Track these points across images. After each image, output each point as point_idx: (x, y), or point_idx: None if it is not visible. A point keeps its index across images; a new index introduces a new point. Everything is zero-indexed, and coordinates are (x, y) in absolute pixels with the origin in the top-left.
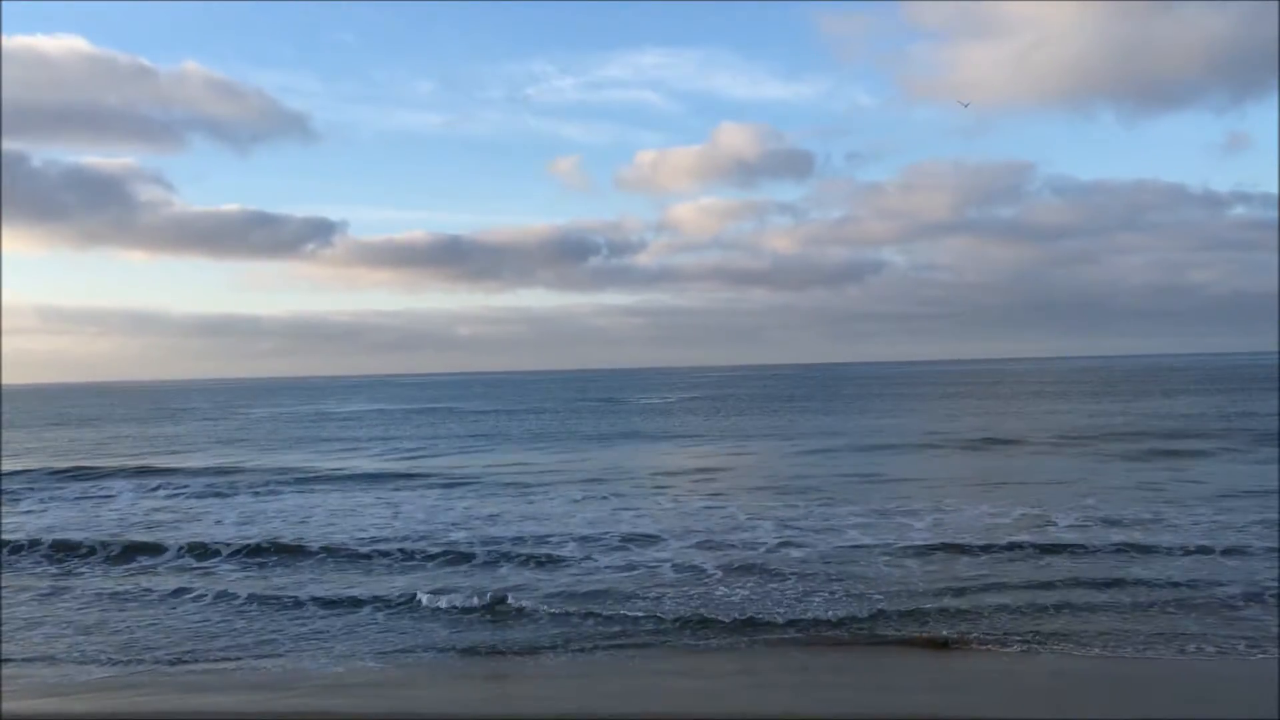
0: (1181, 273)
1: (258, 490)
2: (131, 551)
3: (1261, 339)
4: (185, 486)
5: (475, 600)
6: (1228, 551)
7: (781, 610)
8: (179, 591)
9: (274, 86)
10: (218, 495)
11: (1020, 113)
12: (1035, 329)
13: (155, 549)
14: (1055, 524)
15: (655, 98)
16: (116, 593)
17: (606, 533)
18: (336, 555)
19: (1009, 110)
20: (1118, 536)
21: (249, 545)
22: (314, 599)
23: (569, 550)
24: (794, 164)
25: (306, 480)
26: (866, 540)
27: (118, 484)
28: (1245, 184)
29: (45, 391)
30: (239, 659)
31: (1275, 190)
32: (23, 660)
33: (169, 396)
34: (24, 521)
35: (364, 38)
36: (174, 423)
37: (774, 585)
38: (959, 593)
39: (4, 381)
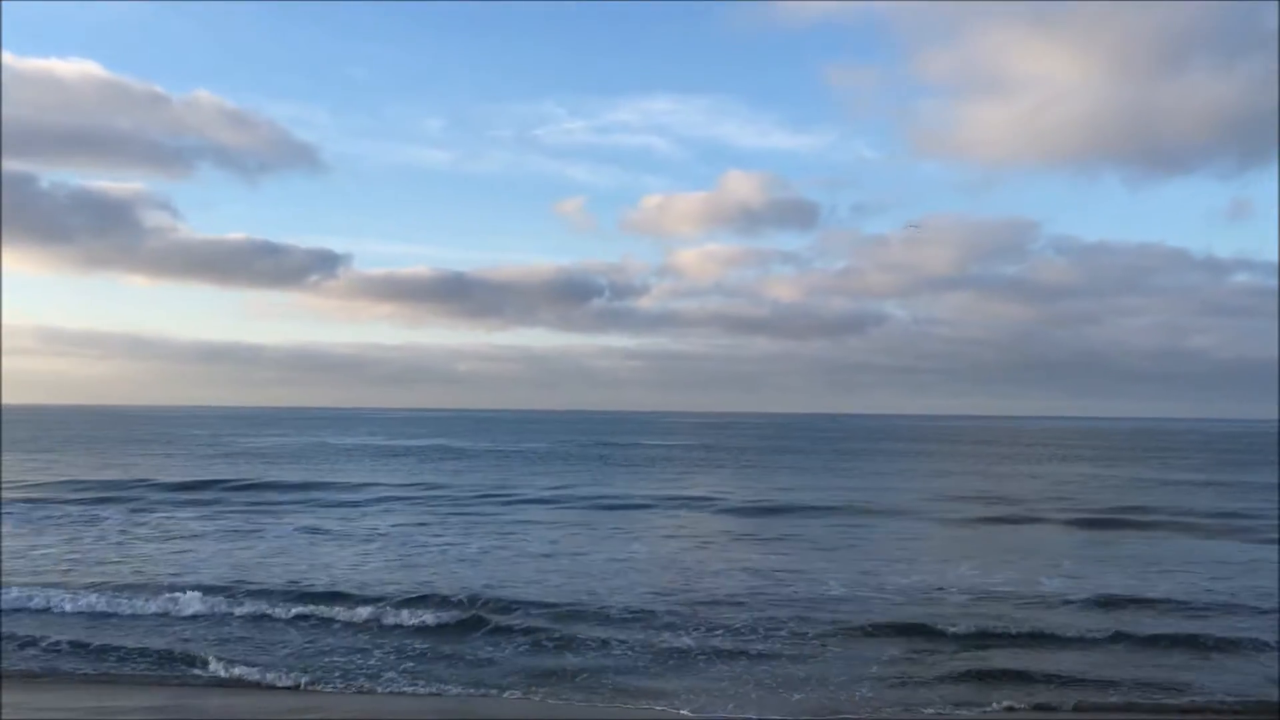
0: (1183, 337)
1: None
2: None
3: (1262, 406)
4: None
5: None
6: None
7: None
8: None
9: (285, 118)
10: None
11: (1025, 171)
12: (1035, 387)
13: None
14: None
15: (662, 143)
16: None
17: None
18: None
19: (1014, 168)
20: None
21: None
22: None
23: None
24: (799, 213)
25: None
26: None
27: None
28: (1248, 251)
29: (42, 413)
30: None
31: (1276, 259)
32: None
33: (165, 423)
34: None
35: (376, 74)
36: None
37: None
38: None
39: (2, 402)
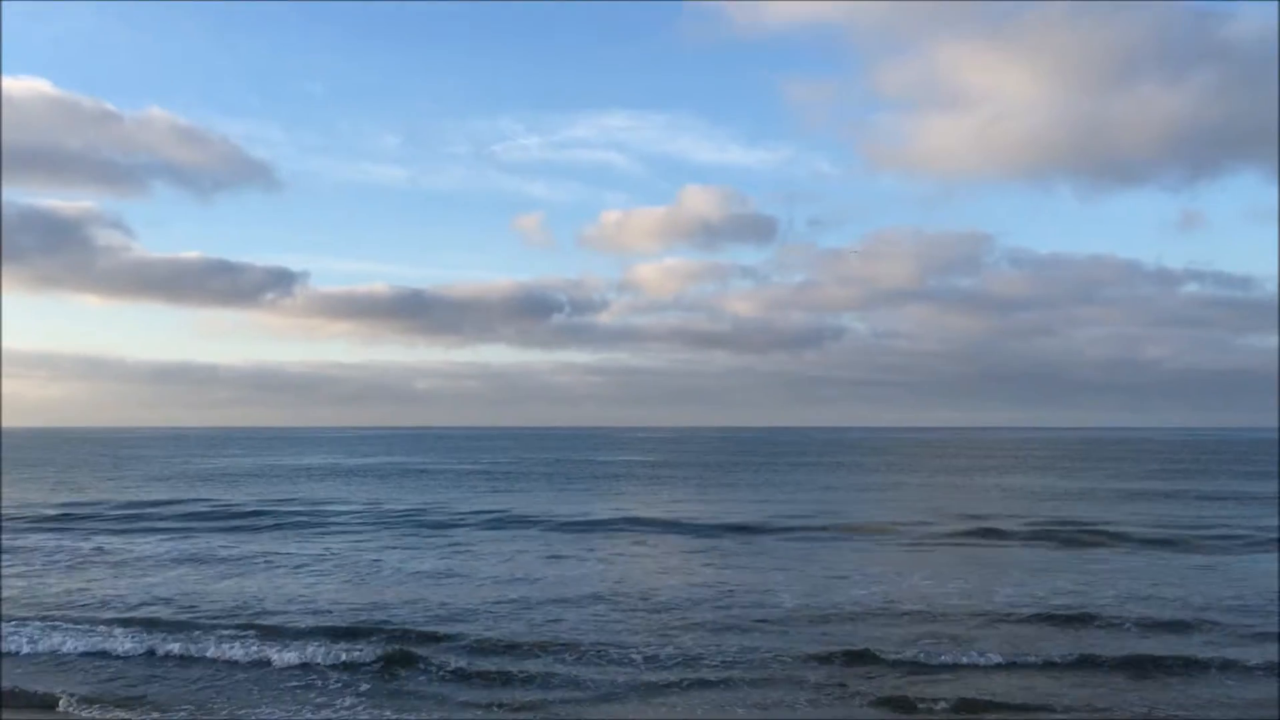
0: (1136, 347)
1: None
2: None
3: (1213, 415)
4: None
5: None
6: None
7: None
8: None
9: (239, 135)
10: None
11: (980, 184)
12: (992, 398)
13: None
14: None
15: (620, 159)
16: None
17: None
18: None
19: (969, 181)
20: None
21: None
22: None
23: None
24: (757, 228)
25: None
26: None
27: None
28: (1198, 262)
29: None
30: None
31: (1226, 269)
32: None
33: (118, 445)
34: None
35: (331, 89)
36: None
37: None
38: None
39: None
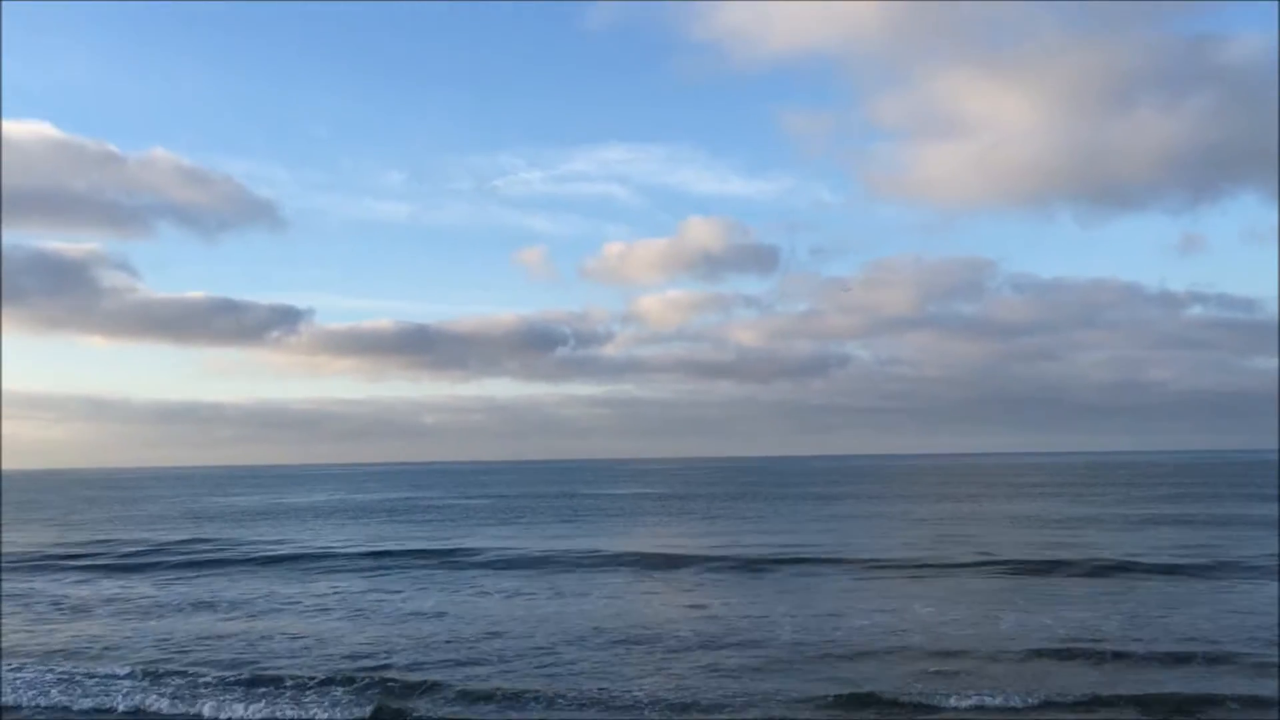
0: (1139, 370)
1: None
2: None
3: (1217, 437)
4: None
5: None
6: None
7: None
8: None
9: (242, 174)
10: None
11: (980, 211)
12: (997, 424)
13: None
14: None
15: (622, 191)
16: None
17: None
18: None
19: (970, 208)
20: None
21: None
22: None
23: None
24: (759, 258)
25: None
26: None
27: None
28: (1200, 284)
29: None
30: None
31: (1229, 291)
32: None
33: (124, 486)
34: None
35: (334, 128)
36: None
37: None
38: None
39: None
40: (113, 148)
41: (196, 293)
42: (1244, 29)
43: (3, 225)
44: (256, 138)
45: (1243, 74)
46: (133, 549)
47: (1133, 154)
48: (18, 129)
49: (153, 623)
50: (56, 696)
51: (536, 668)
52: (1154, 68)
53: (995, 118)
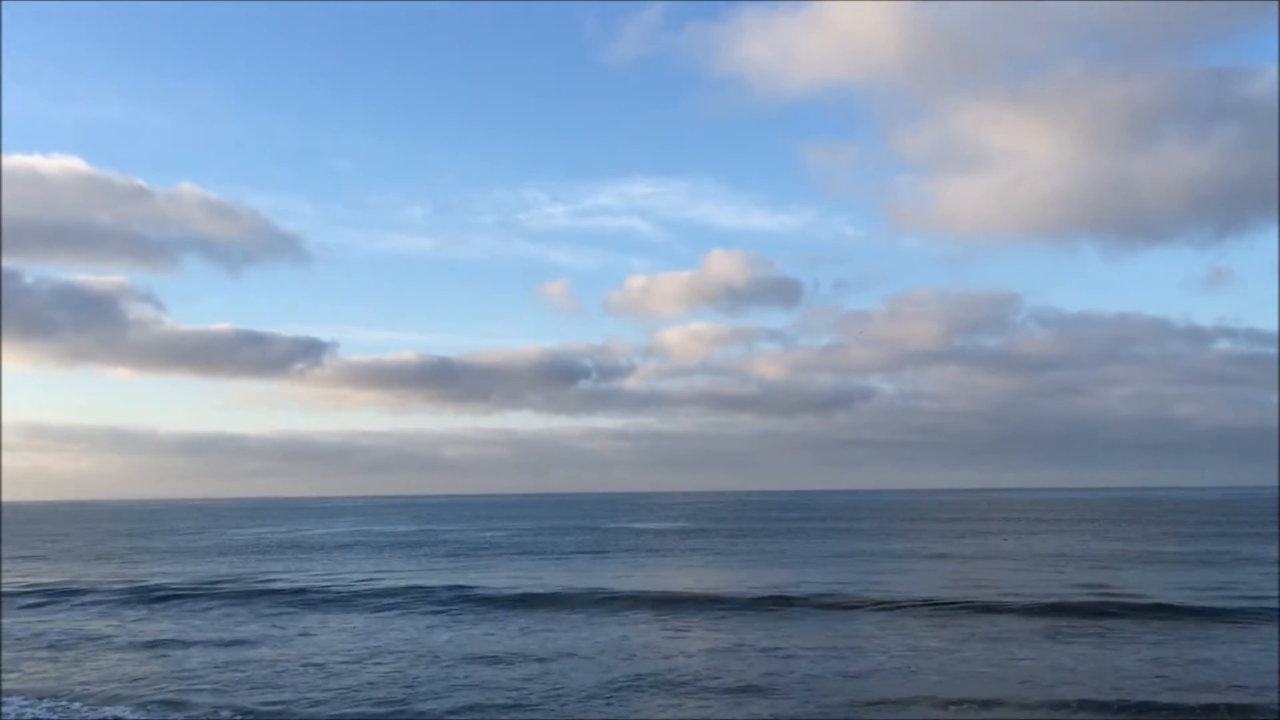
0: (1167, 406)
1: None
2: None
3: (1248, 473)
4: None
5: None
6: None
7: None
8: None
9: (268, 209)
10: None
11: (1005, 244)
12: (1022, 459)
13: None
14: None
15: (644, 225)
16: None
17: None
18: None
19: (994, 242)
20: None
21: None
22: None
23: None
24: (782, 291)
25: None
26: None
27: None
28: (1228, 319)
29: (25, 510)
30: None
31: (1257, 325)
32: None
33: (149, 518)
34: None
35: (359, 164)
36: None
37: None
38: None
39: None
40: (140, 182)
41: (222, 325)
42: (1269, 61)
43: (32, 259)
44: (282, 172)
45: (1268, 105)
46: (155, 586)
47: (1157, 187)
48: (47, 164)
49: (172, 663)
50: None
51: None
52: (1178, 100)
53: (1019, 151)
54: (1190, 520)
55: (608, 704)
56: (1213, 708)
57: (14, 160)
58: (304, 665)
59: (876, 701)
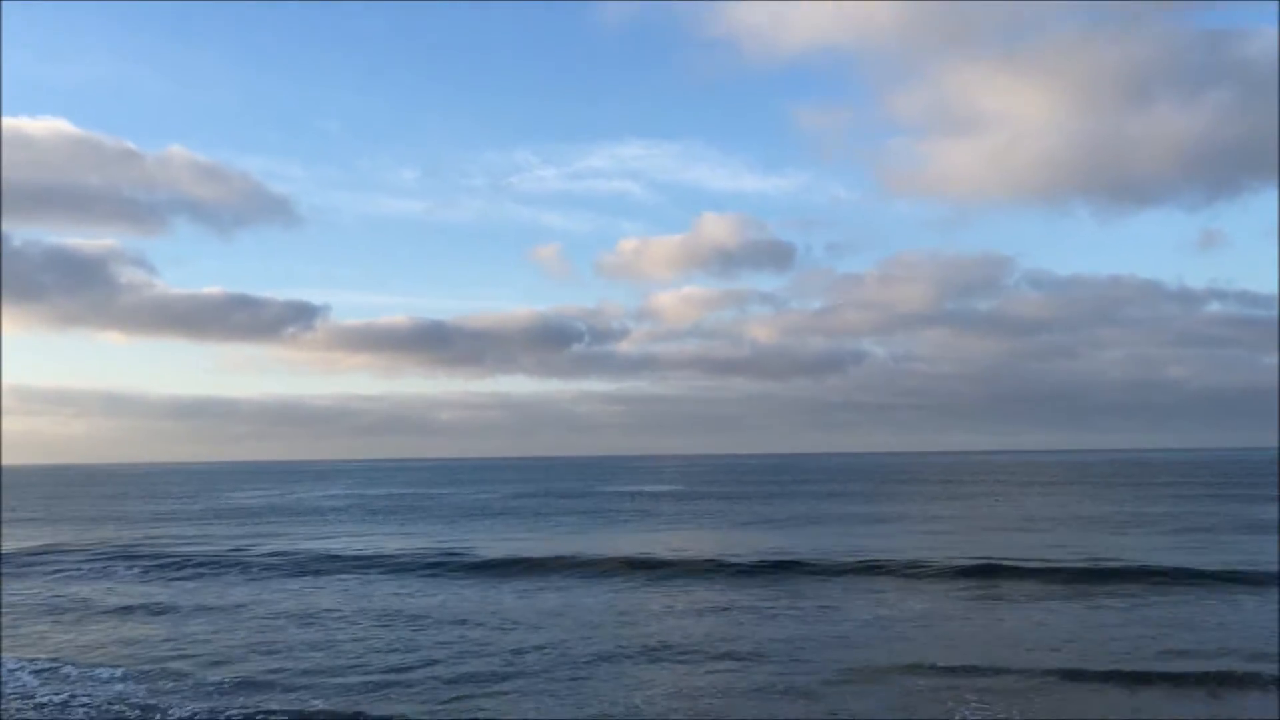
0: (1158, 368)
1: None
2: None
3: (1239, 435)
4: None
5: None
6: None
7: None
8: None
9: (258, 171)
10: None
11: (997, 207)
12: (1014, 421)
13: None
14: None
15: (636, 188)
16: None
17: None
18: None
19: (986, 204)
20: None
21: None
22: None
23: None
24: (775, 254)
25: None
26: None
27: None
28: (1219, 281)
29: (17, 473)
30: None
31: (1249, 288)
32: None
33: (141, 482)
34: None
35: (348, 125)
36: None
37: None
38: None
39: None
40: (130, 145)
41: (213, 289)
42: (1262, 23)
43: (21, 222)
44: (271, 135)
45: (1261, 68)
46: (150, 550)
47: (1150, 149)
48: (35, 126)
49: (164, 628)
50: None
51: (554, 696)
52: (1171, 62)
53: (1012, 113)
54: (1182, 482)
55: (602, 670)
56: (1224, 675)
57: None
58: (299, 627)
59: (869, 669)
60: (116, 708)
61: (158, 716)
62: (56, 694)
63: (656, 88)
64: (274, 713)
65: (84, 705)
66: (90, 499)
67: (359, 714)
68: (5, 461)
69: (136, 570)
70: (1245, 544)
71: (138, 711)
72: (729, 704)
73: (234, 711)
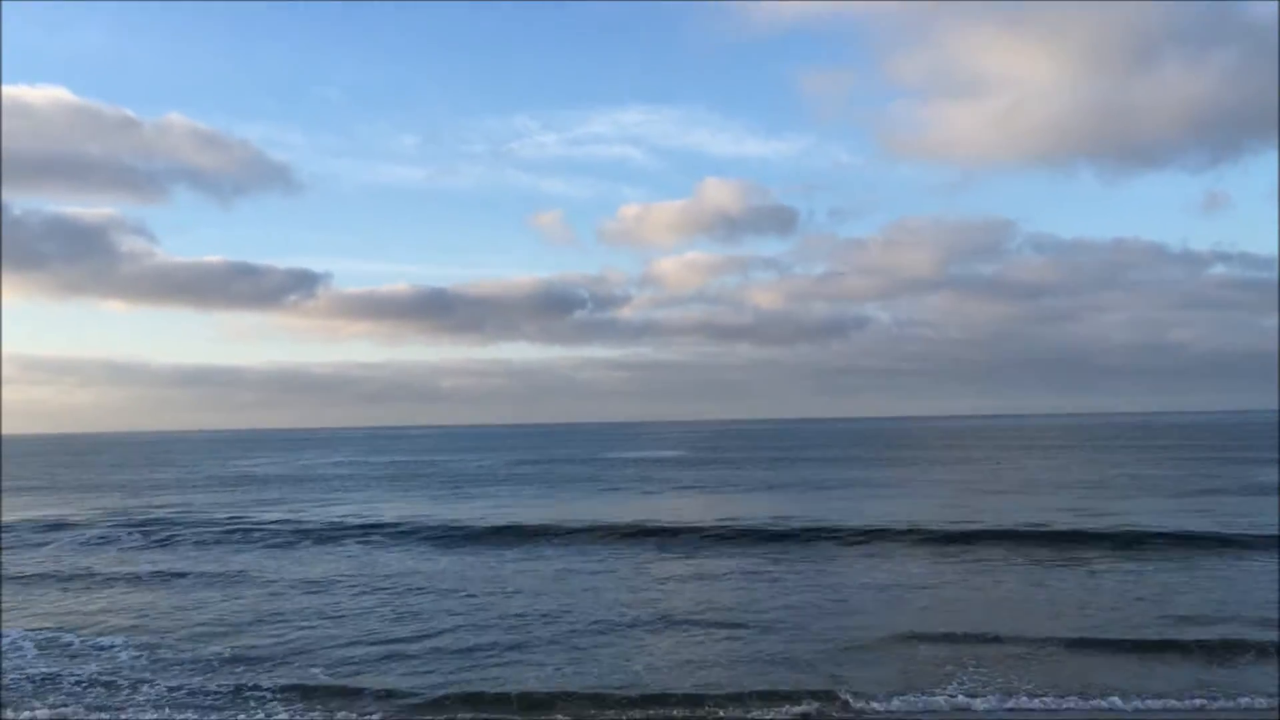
0: (1162, 331)
1: None
2: None
3: (1243, 397)
4: None
5: None
6: None
7: None
8: None
9: (258, 139)
10: None
11: (1001, 171)
12: (1018, 386)
13: None
14: None
15: (637, 153)
16: None
17: None
18: None
19: (990, 168)
20: None
21: None
22: None
23: None
24: (777, 219)
25: None
26: None
27: None
28: (1224, 244)
29: (22, 443)
30: None
31: (1252, 250)
32: None
33: (147, 449)
34: None
35: (347, 92)
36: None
37: None
38: None
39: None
40: (129, 113)
41: (214, 257)
42: None
43: (21, 191)
44: (270, 102)
45: (1265, 31)
46: (152, 519)
47: (1155, 112)
48: (34, 94)
49: (187, 598)
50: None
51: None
52: (1177, 25)
53: (1016, 76)
54: (1184, 445)
55: (603, 639)
56: (1227, 642)
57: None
58: (303, 595)
59: (869, 637)
60: (110, 679)
61: (145, 688)
62: (54, 665)
63: (658, 52)
64: (262, 688)
65: (76, 677)
66: (95, 468)
67: (358, 689)
68: (9, 431)
69: (140, 539)
70: (1245, 506)
71: (127, 684)
72: (728, 674)
73: (224, 682)
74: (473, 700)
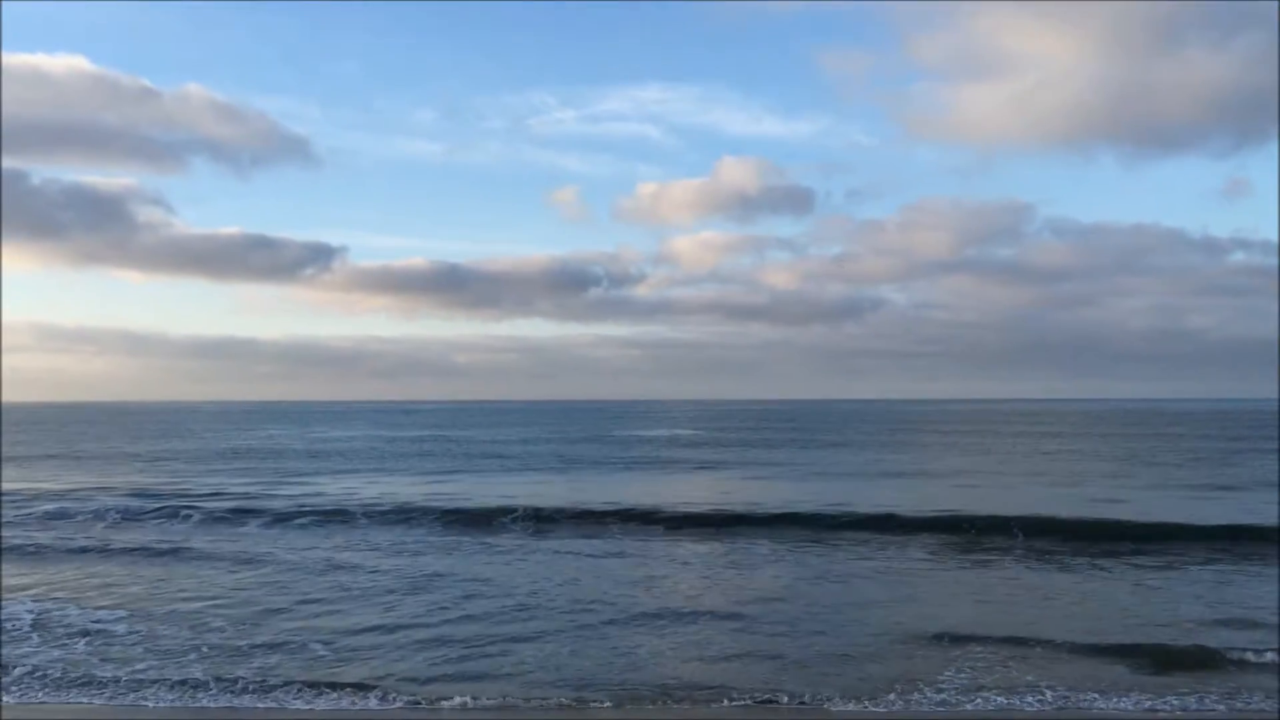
0: (1180, 317)
1: None
2: None
3: (1260, 385)
4: None
5: None
6: None
7: None
8: None
9: (276, 111)
10: None
11: (1020, 153)
12: (1034, 370)
13: None
14: None
15: (655, 131)
16: None
17: None
18: None
19: (1009, 150)
20: None
21: None
22: None
23: None
24: (794, 200)
25: None
26: None
27: None
28: (1245, 230)
29: (41, 410)
30: None
31: (1274, 237)
32: None
33: (165, 420)
34: None
35: (366, 67)
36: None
37: None
38: None
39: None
40: (147, 83)
41: (231, 229)
42: None
43: (39, 159)
44: (289, 75)
45: None
46: (170, 492)
47: (1177, 95)
48: (53, 63)
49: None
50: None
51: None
52: (1200, 7)
53: (1037, 57)
54: (1200, 435)
55: (608, 629)
56: (1240, 645)
57: (18, 59)
58: (313, 575)
59: (873, 633)
60: (107, 655)
61: (139, 665)
62: (51, 639)
63: (677, 29)
64: (265, 670)
65: (71, 653)
66: (110, 438)
67: (358, 678)
68: (25, 398)
69: (153, 511)
70: (1262, 499)
71: (122, 661)
72: (731, 669)
73: (224, 664)
74: (474, 678)
